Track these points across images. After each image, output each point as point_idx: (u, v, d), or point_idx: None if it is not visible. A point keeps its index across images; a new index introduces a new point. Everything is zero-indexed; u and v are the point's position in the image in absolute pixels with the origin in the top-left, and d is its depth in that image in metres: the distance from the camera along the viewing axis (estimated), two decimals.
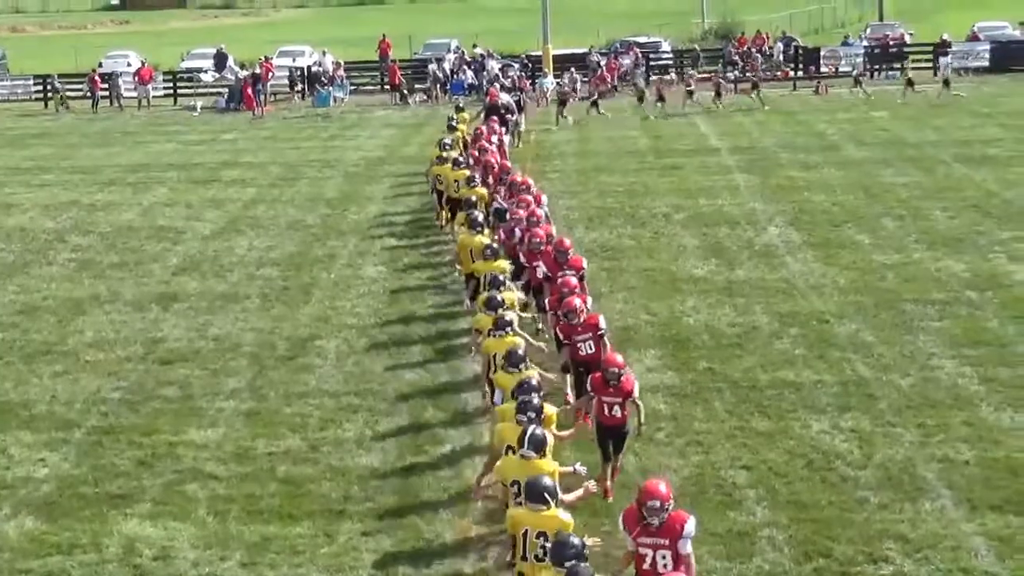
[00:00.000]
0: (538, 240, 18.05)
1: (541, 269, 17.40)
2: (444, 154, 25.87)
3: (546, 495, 10.07)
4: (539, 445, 11.09)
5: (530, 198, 20.89)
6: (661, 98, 44.44)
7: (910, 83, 45.33)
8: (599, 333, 14.89)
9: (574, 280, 16.06)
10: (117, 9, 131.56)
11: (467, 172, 24.17)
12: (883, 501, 12.91)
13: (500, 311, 14.97)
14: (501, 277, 16.48)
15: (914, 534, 12.19)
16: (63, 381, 17.47)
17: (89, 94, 51.34)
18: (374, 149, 37.96)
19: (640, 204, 27.97)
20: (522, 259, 18.44)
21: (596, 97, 44.57)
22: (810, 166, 31.99)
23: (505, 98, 34.76)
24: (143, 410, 16.28)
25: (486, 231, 19.46)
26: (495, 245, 18.44)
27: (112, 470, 14.39)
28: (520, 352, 13.72)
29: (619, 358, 13.32)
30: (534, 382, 12.57)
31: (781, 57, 56.18)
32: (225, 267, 23.68)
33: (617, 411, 13.04)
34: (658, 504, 9.75)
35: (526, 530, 10.06)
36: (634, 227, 25.81)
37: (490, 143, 27.44)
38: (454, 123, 31.02)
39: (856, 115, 41.70)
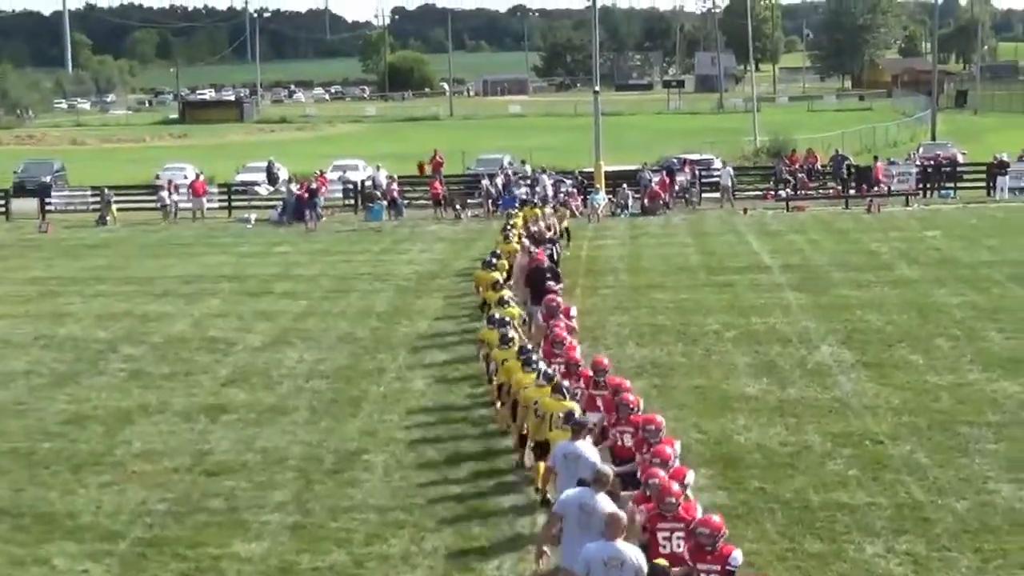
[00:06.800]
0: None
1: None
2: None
3: (564, 390, 15.98)
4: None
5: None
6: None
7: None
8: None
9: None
10: (176, 123, 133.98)
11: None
12: None
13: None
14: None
15: None
16: (109, 492, 17.40)
17: (162, 204, 52.01)
18: (426, 263, 38.11)
19: (691, 321, 27.84)
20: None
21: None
22: (862, 285, 31.80)
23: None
24: (188, 522, 16.17)
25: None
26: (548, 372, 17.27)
27: None
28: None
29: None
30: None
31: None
32: (274, 379, 23.68)
33: None
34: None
35: (552, 414, 15.73)
36: (685, 344, 25.66)
37: (568, 332, 20.16)
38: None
39: (908, 234, 41.56)
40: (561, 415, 15.45)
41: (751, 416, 20.27)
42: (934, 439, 18.79)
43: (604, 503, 12.15)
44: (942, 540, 14.89)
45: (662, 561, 10.87)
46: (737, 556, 11.31)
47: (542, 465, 15.80)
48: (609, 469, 13.07)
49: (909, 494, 16.48)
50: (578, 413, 15.03)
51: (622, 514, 11.43)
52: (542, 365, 17.62)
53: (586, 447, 14.32)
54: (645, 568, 11.03)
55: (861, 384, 22.15)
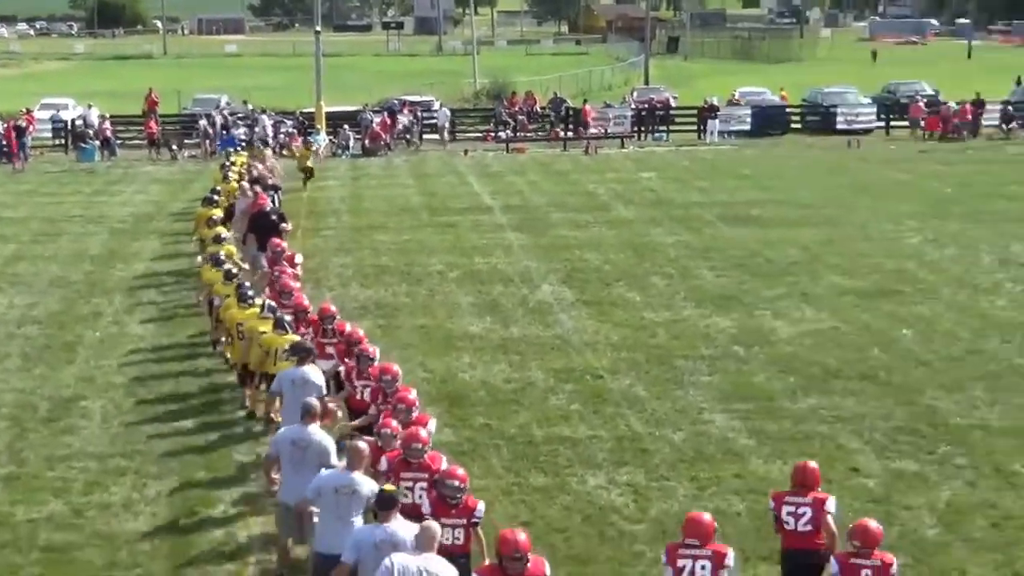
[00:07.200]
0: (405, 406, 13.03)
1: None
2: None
3: (285, 324, 16.40)
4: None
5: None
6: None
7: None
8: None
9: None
10: None
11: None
12: (659, 555, 12.93)
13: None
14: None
15: None
16: None
17: None
18: (141, 205, 37.05)
19: (415, 262, 27.91)
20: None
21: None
22: (581, 225, 32.43)
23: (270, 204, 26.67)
24: None
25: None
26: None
27: None
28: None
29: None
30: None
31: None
32: None
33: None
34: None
35: (276, 348, 16.03)
36: (409, 285, 25.72)
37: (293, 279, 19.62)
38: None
39: (624, 175, 42.52)
40: (286, 348, 15.50)
41: (475, 354, 20.50)
42: (652, 373, 19.38)
43: (318, 435, 12.17)
44: (660, 470, 15.40)
45: (391, 487, 10.85)
46: (481, 508, 11.15)
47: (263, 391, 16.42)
48: (316, 402, 12.93)
49: (629, 426, 16.97)
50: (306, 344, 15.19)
51: (363, 446, 11.42)
52: (260, 300, 18.01)
53: (313, 372, 14.37)
54: (375, 496, 10.92)
55: (582, 321, 22.63)
